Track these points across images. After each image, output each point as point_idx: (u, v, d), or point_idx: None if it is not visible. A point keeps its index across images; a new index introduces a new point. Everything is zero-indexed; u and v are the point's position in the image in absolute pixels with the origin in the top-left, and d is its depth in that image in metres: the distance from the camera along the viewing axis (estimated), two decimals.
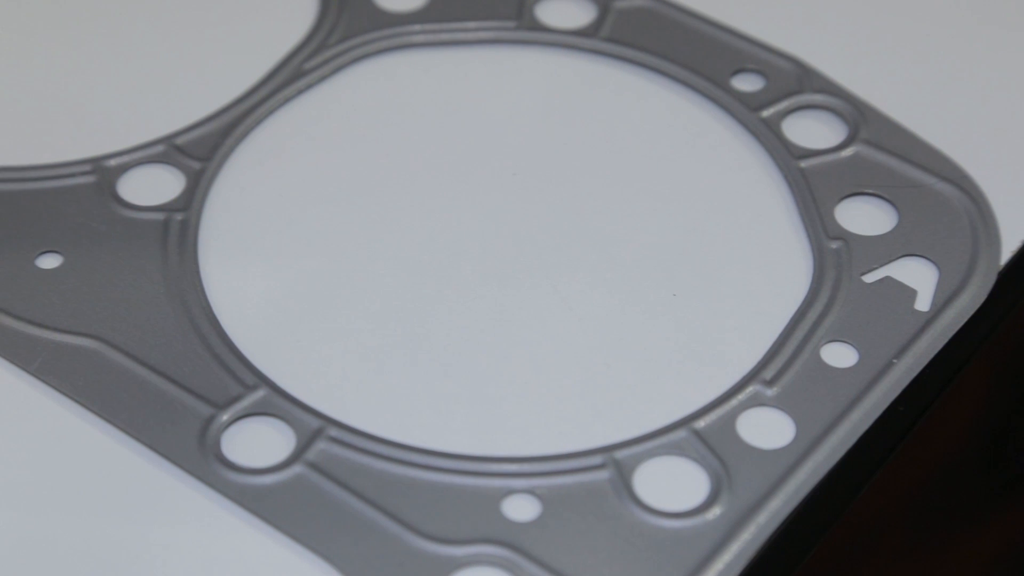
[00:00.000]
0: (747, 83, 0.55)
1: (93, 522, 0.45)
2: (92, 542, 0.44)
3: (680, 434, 0.46)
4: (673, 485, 0.45)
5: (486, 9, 0.57)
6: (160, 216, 0.51)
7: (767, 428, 0.46)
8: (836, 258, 0.50)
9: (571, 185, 0.52)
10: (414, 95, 0.55)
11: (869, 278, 0.49)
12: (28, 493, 0.45)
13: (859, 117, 0.53)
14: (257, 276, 0.50)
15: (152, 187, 0.52)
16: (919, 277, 0.49)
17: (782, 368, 0.47)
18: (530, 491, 0.45)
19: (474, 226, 0.51)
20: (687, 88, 0.55)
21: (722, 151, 0.53)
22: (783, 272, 0.50)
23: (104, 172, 0.52)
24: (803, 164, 0.52)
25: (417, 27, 0.56)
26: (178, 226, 0.51)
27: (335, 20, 0.56)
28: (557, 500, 0.45)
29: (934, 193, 0.51)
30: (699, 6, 0.56)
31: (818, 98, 0.54)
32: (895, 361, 0.47)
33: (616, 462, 0.45)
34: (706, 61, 0.55)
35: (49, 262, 0.50)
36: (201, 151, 0.53)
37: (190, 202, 0.51)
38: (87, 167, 0.52)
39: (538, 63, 0.56)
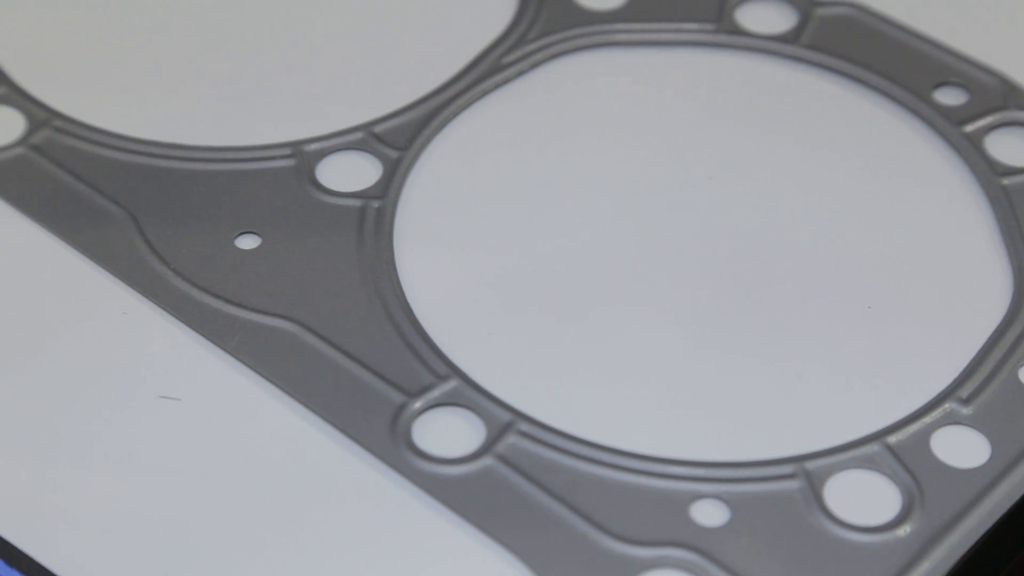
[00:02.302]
0: (950, 97, 0.54)
1: (282, 501, 0.45)
2: (280, 520, 0.45)
3: (872, 448, 0.45)
4: (864, 499, 0.45)
5: (686, 11, 0.57)
6: (357, 203, 0.51)
7: (962, 447, 0.45)
8: None
9: (766, 192, 0.52)
10: (611, 94, 0.55)
11: None
12: (221, 469, 0.46)
13: None
14: (450, 267, 0.50)
15: (349, 173, 0.52)
16: None
17: (979, 387, 0.46)
18: (719, 496, 0.45)
19: (667, 228, 0.51)
20: (888, 99, 0.54)
21: (922, 164, 0.53)
22: (981, 289, 0.49)
23: (303, 156, 0.52)
24: (1005, 182, 0.51)
25: (615, 26, 0.56)
26: (374, 213, 0.51)
27: (534, 16, 0.57)
28: (746, 507, 0.44)
29: None
30: (903, 17, 0.56)
31: (1023, 115, 0.53)
32: None
33: (807, 472, 0.45)
34: (908, 73, 0.54)
35: (248, 243, 0.50)
36: (399, 140, 0.53)
37: (387, 190, 0.52)
38: (287, 151, 0.53)
39: (737, 67, 0.56)
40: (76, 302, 0.49)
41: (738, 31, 0.56)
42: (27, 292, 0.49)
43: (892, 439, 0.46)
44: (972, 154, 0.52)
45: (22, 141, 0.53)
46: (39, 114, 0.53)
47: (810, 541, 0.44)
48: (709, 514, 0.44)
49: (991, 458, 0.45)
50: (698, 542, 0.44)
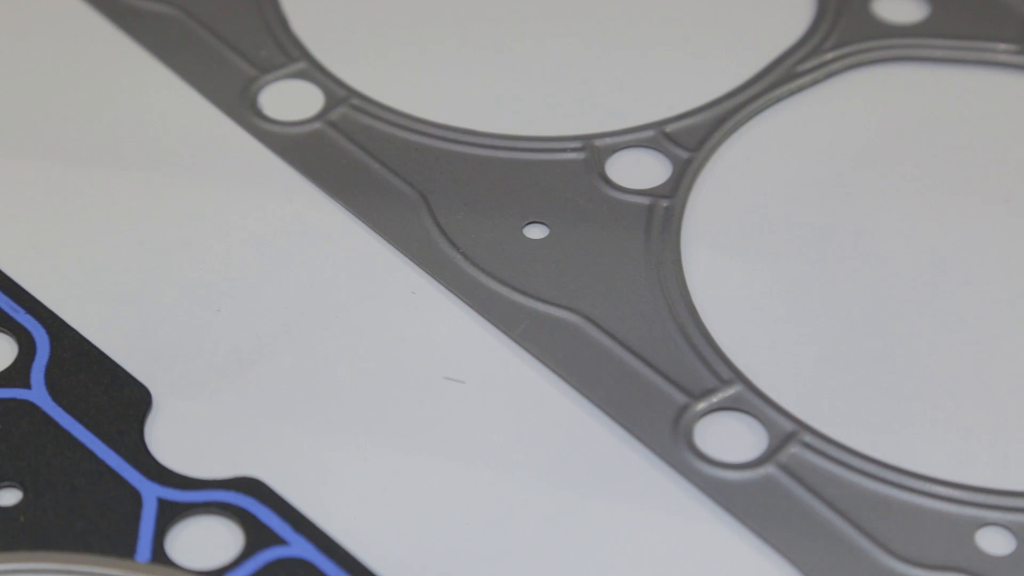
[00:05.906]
0: None
1: (559, 490, 0.45)
2: (556, 509, 0.45)
3: None
4: None
5: (988, 30, 0.55)
6: (645, 200, 0.51)
7: None
8: None
9: None
10: (906, 108, 0.54)
11: None
12: (501, 454, 0.46)
13: None
14: (737, 271, 0.50)
15: (638, 171, 0.52)
16: None
17: None
18: (1005, 525, 0.44)
19: (959, 245, 0.50)
20: None
21: None
22: None
23: (593, 151, 0.52)
24: None
25: (914, 40, 0.56)
26: (663, 212, 0.51)
27: (831, 25, 0.56)
28: None
29: None
30: None
31: None
32: None
33: None
34: None
35: (536, 232, 0.50)
36: (690, 141, 0.53)
37: (676, 190, 0.51)
38: (578, 144, 0.53)
39: None
40: (366, 278, 0.50)
41: None
42: (320, 265, 0.50)
43: None
44: None
45: (319, 117, 0.53)
46: (337, 91, 0.54)
47: None
48: (995, 542, 0.44)
49: None
50: (982, 569, 0.43)
